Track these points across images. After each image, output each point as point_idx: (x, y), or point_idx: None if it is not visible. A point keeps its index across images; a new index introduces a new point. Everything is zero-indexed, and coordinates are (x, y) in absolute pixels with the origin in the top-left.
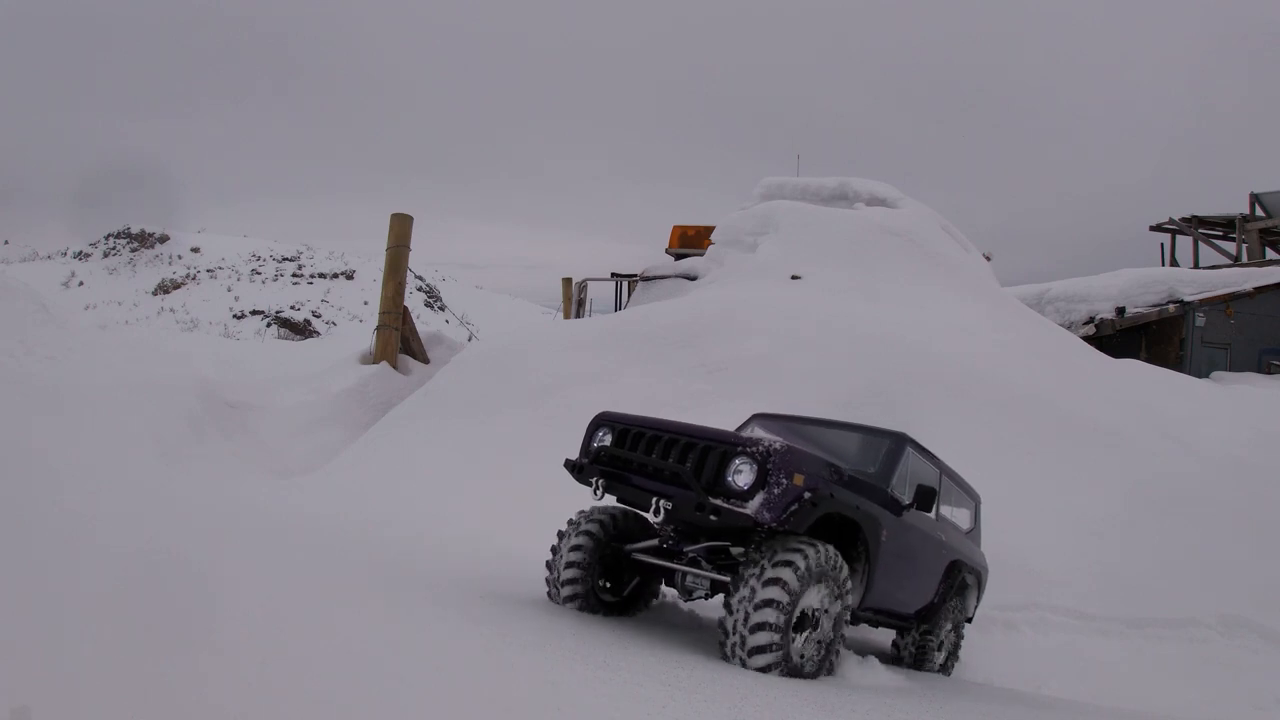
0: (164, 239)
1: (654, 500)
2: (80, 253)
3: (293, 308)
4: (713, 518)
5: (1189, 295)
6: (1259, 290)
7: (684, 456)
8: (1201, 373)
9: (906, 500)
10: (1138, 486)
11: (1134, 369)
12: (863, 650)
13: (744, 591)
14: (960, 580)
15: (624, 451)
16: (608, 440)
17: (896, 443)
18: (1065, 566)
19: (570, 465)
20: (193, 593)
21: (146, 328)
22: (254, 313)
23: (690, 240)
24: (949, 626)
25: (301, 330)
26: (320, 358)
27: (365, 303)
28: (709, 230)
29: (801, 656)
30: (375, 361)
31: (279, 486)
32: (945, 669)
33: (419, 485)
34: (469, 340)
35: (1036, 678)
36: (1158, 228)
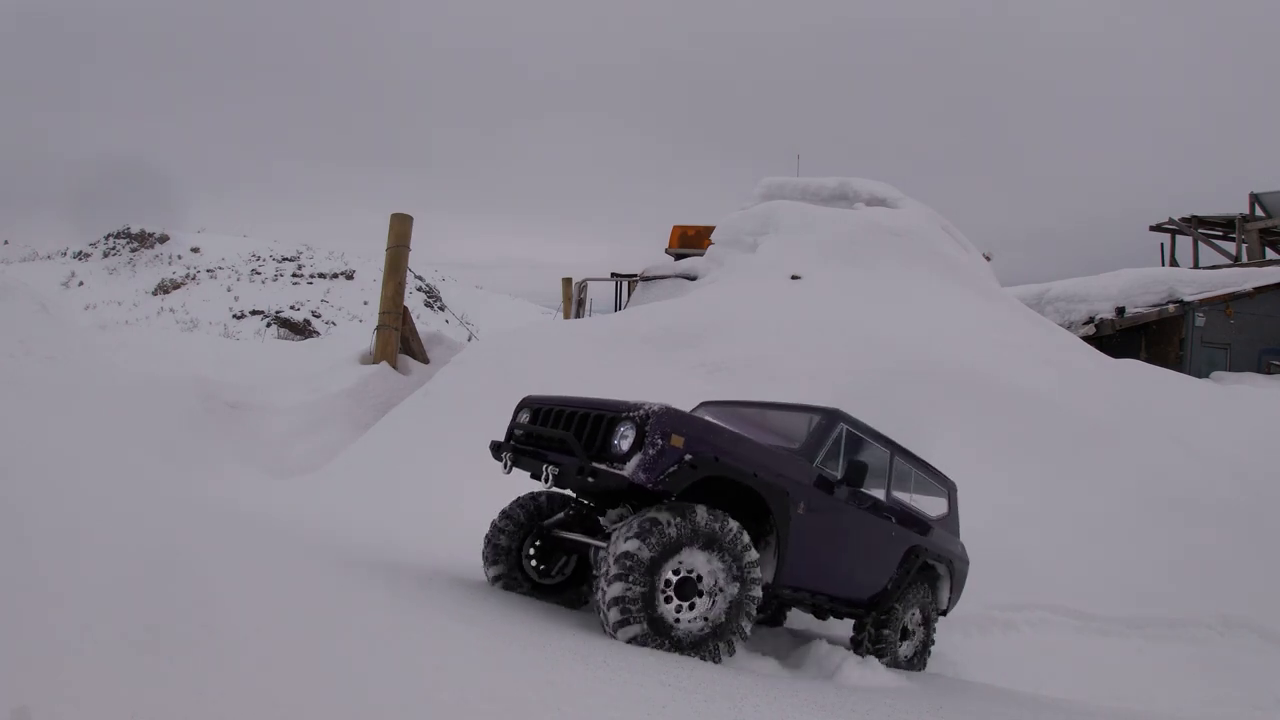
0: (164, 239)
1: (544, 468)
2: (80, 253)
3: (293, 308)
4: (590, 480)
5: (1189, 295)
6: (1259, 290)
7: (581, 428)
8: (1201, 373)
9: (838, 477)
10: (1137, 487)
11: (1134, 369)
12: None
13: (605, 556)
14: (921, 567)
15: (534, 427)
16: (525, 419)
17: (827, 418)
18: (1065, 566)
19: (492, 446)
20: (193, 593)
21: (146, 328)
22: (254, 313)
23: (690, 240)
24: (916, 617)
25: (301, 330)
26: (320, 358)
27: (365, 303)
28: (709, 230)
29: (677, 622)
30: (375, 361)
31: (279, 486)
32: (915, 664)
33: (419, 485)
34: (469, 340)
35: (1036, 678)
36: (1158, 228)
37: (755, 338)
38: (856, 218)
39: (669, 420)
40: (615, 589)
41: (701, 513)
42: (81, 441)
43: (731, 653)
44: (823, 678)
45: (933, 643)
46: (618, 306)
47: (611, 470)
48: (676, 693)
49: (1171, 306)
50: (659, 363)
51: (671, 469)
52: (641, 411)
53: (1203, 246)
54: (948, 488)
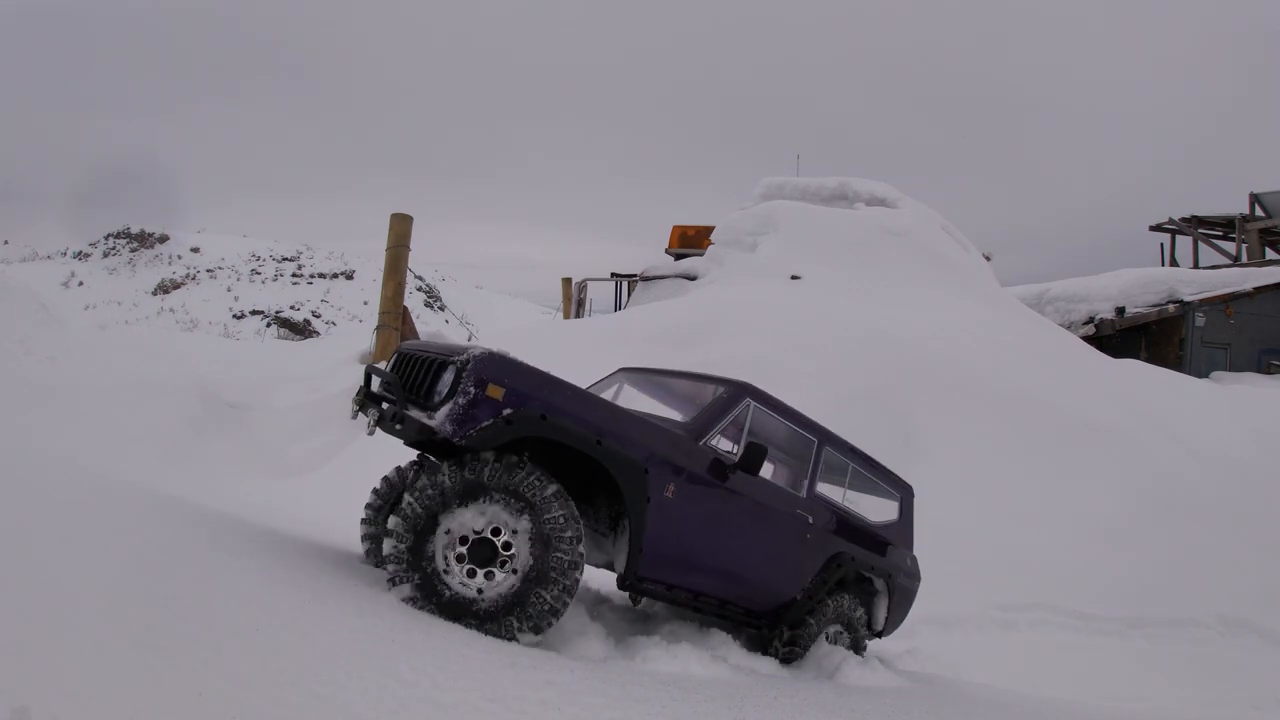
0: (164, 239)
1: (367, 414)
2: (80, 253)
3: (293, 308)
4: (398, 426)
5: (1189, 295)
6: (1259, 290)
7: (420, 374)
8: (1201, 373)
9: (735, 460)
10: (1137, 487)
11: (1134, 369)
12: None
13: None
14: (845, 577)
15: (387, 374)
16: (390, 366)
17: (732, 392)
18: (1065, 566)
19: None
20: (192, 593)
21: (146, 328)
22: (254, 313)
23: (690, 240)
24: (845, 638)
25: (301, 330)
26: (320, 358)
27: (365, 303)
28: (709, 230)
29: (480, 592)
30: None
31: (279, 486)
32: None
33: None
34: (469, 340)
35: (1036, 678)
36: (1158, 228)
37: (755, 338)
38: (856, 218)
39: (488, 367)
40: (386, 545)
41: (497, 465)
42: (81, 442)
43: (536, 631)
44: (823, 678)
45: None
46: (618, 306)
47: (418, 418)
48: (676, 692)
49: (1171, 306)
50: (659, 363)
51: (485, 423)
52: (464, 356)
53: (1203, 246)
54: (900, 492)
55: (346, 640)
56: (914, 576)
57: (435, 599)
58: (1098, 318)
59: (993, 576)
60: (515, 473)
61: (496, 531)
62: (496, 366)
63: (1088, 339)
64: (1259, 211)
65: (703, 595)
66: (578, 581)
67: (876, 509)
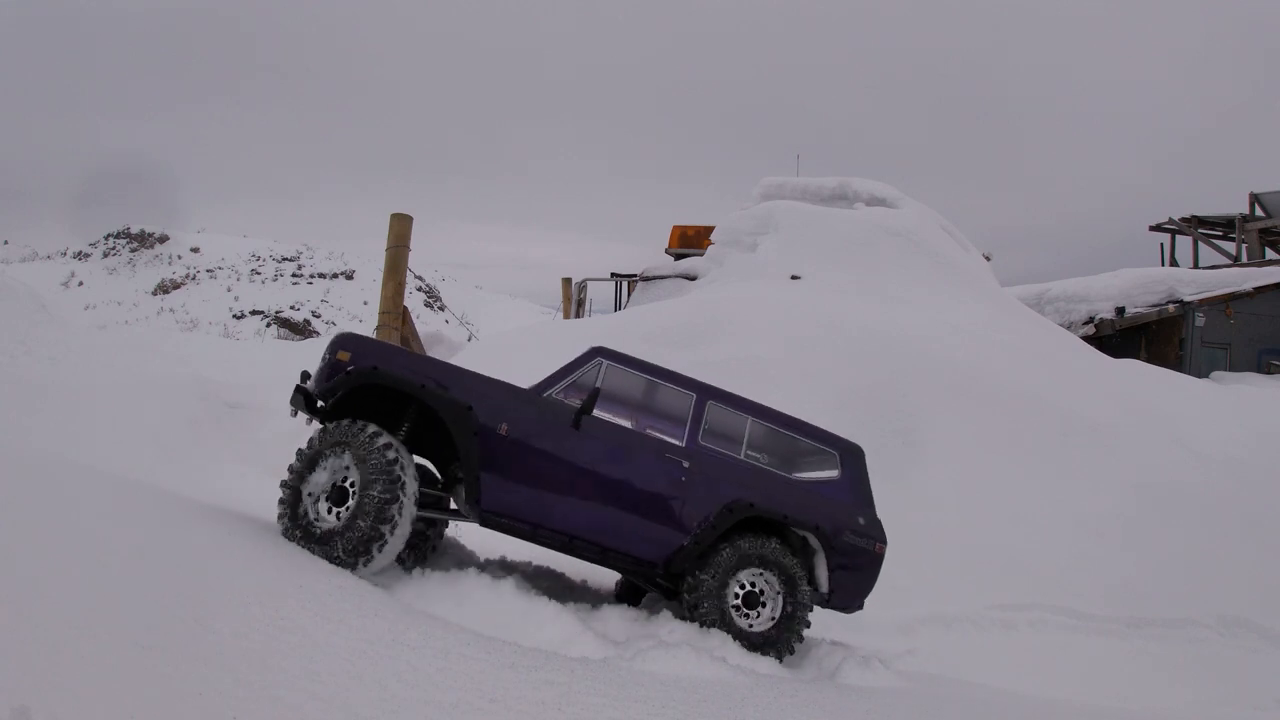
0: (164, 239)
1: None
2: (80, 253)
3: (293, 308)
4: (293, 397)
5: (1189, 295)
6: (1259, 290)
7: None
8: (1201, 373)
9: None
10: (1137, 486)
11: (1134, 369)
12: (865, 652)
13: None
14: (745, 522)
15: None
16: None
17: (583, 354)
18: (1065, 566)
19: None
20: (192, 592)
21: (146, 328)
22: (254, 313)
23: (690, 240)
24: (775, 586)
25: (301, 330)
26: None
27: (365, 303)
28: (709, 230)
29: (318, 520)
30: None
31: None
32: (768, 641)
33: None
34: (469, 340)
35: (1036, 678)
36: (1158, 228)
37: (755, 338)
38: (856, 218)
39: (342, 340)
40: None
41: (351, 426)
42: (81, 441)
43: (353, 556)
44: (823, 678)
45: (802, 624)
46: (617, 306)
47: (302, 385)
48: (676, 692)
49: (1171, 306)
50: (659, 363)
51: (335, 378)
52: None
53: (1203, 246)
54: (839, 450)
55: (347, 640)
56: (872, 538)
57: (297, 527)
58: (1098, 318)
59: (993, 576)
60: (356, 432)
61: (350, 481)
62: (348, 340)
63: (1088, 339)
64: (1259, 211)
65: (577, 539)
66: (394, 519)
67: (811, 467)
